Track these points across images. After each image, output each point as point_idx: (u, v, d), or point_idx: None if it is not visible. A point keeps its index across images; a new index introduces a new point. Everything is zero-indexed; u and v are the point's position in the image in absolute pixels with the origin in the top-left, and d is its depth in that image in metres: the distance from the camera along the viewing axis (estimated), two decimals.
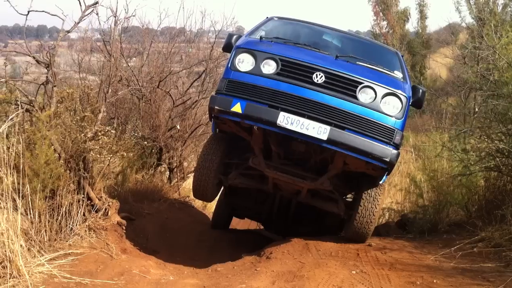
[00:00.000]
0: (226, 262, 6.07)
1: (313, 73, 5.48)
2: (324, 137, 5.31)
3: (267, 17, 7.14)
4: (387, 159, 5.40)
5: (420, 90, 6.11)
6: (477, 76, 8.04)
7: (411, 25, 35.68)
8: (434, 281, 4.81)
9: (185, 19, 23.82)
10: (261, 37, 6.09)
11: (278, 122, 5.34)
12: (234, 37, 6.38)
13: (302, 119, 5.34)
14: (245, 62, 5.68)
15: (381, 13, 34.09)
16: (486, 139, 7.23)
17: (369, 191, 6.11)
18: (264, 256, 6.04)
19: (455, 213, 7.92)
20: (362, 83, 5.50)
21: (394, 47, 29.57)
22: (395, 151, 5.45)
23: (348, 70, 5.59)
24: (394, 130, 5.47)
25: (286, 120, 5.33)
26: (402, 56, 7.07)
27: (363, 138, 5.36)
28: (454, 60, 19.38)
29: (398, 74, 6.21)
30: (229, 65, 5.76)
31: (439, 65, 23.14)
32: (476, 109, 9.91)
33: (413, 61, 31.79)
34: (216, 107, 5.56)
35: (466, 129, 7.88)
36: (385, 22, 34.15)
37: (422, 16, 33.71)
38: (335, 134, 5.32)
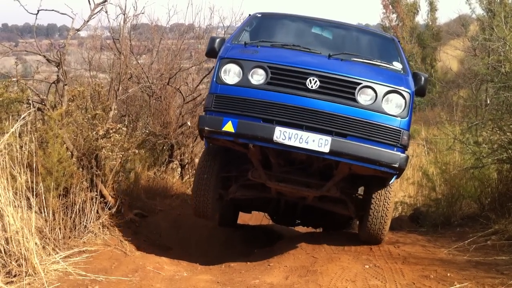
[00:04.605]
0: (239, 258, 6.08)
1: (306, 79, 5.10)
2: (326, 149, 4.97)
3: (249, 15, 6.63)
4: (396, 165, 5.06)
5: (422, 77, 5.69)
6: (488, 68, 7.97)
7: (421, 18, 35.46)
8: (448, 274, 4.79)
9: (194, 15, 23.93)
10: (245, 43, 5.67)
11: (274, 138, 4.99)
12: (217, 40, 5.87)
13: (300, 132, 4.99)
14: (231, 74, 5.28)
15: (390, 5, 33.96)
16: (498, 131, 7.19)
17: (378, 192, 5.73)
18: (276, 251, 6.05)
19: (468, 206, 7.89)
20: (360, 83, 5.13)
21: (404, 40, 29.44)
22: (403, 155, 5.11)
23: (344, 71, 5.21)
24: (400, 131, 5.12)
25: (283, 135, 4.99)
26: (399, 41, 6.69)
27: (367, 145, 5.01)
28: (464, 52, 19.24)
29: (397, 66, 5.85)
30: (214, 79, 5.34)
31: (450, 57, 22.95)
32: (488, 101, 9.86)
33: (423, 54, 31.66)
34: (206, 128, 5.19)
35: (478, 121, 7.84)
36: (394, 15, 34.02)
37: (432, 8, 33.52)
38: (338, 144, 4.97)
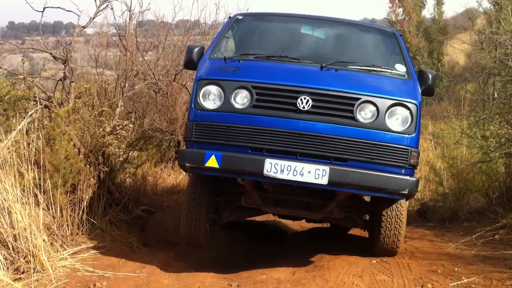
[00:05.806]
0: (246, 253, 6.08)
1: (297, 98, 4.53)
2: (324, 181, 4.42)
3: (229, 17, 5.89)
4: (405, 192, 4.50)
5: (430, 76, 5.07)
6: (495, 62, 7.93)
7: (428, 12, 35.29)
8: (455, 269, 4.78)
9: (199, 11, 23.95)
10: (225, 58, 4.96)
11: (265, 172, 4.44)
12: (196, 50, 5.23)
13: (293, 163, 4.44)
14: (211, 97, 4.69)
15: (396, 0, 33.82)
16: (505, 125, 7.17)
17: (388, 211, 5.11)
18: (284, 246, 6.04)
19: (476, 201, 7.87)
20: (359, 98, 4.57)
21: (411, 34, 29.25)
22: (413, 180, 4.53)
23: (339, 85, 4.65)
24: (408, 149, 4.55)
25: (275, 168, 4.43)
26: (401, 35, 5.81)
27: (371, 172, 4.46)
28: (471, 46, 19.11)
29: (400, 69, 5.16)
30: (193, 104, 4.74)
31: (457, 51, 22.81)
32: (495, 95, 9.82)
33: (430, 48, 31.50)
34: (187, 164, 4.64)
35: (485, 115, 7.80)
36: (401, 9, 33.87)
37: (439, 2, 33.33)
38: (337, 174, 4.42)
